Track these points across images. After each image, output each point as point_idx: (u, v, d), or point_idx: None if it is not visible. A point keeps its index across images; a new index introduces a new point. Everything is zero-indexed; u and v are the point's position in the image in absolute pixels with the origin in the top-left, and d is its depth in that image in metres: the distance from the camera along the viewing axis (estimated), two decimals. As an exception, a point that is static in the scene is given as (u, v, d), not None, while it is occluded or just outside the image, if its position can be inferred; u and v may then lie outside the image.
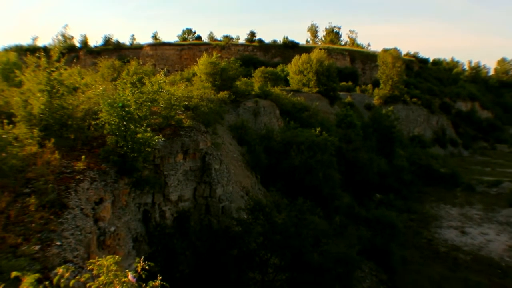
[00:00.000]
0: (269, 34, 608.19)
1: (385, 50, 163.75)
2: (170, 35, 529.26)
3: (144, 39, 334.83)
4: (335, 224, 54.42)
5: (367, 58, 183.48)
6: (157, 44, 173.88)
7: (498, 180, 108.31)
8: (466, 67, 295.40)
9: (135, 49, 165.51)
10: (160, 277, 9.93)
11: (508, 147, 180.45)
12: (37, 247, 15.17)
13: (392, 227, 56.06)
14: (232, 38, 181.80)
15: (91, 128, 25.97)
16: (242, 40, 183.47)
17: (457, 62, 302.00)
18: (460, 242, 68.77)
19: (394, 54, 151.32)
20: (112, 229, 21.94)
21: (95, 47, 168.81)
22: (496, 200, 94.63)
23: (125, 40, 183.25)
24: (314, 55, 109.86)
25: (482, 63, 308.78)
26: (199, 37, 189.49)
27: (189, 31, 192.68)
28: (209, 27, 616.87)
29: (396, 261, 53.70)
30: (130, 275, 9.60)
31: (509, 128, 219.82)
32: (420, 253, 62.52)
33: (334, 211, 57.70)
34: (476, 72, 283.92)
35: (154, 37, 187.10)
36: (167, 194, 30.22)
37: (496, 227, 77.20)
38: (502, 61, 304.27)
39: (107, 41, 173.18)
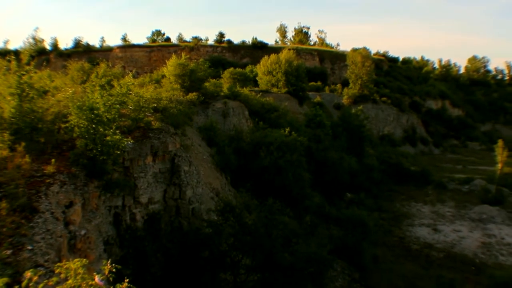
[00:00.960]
0: (239, 35, 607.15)
1: (355, 50, 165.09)
2: (140, 37, 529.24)
3: (114, 41, 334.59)
4: (305, 224, 54.75)
5: (336, 57, 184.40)
6: (127, 46, 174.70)
7: (470, 178, 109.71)
8: (437, 65, 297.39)
9: (104, 51, 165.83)
10: (127, 280, 10.06)
11: (480, 145, 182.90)
12: (8, 252, 15.23)
13: (363, 226, 56.31)
14: (201, 39, 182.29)
15: (61, 131, 25.93)
16: (211, 41, 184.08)
17: (427, 60, 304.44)
18: (432, 239, 69.59)
19: (363, 53, 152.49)
20: (83, 232, 21.95)
21: (66, 49, 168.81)
22: (468, 197, 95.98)
23: (95, 43, 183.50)
24: (283, 55, 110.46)
25: (452, 62, 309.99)
26: (168, 39, 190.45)
27: (158, 33, 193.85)
28: (178, 29, 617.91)
29: (368, 260, 54.15)
30: (97, 278, 9.74)
31: (480, 125, 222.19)
32: (392, 251, 63.03)
33: (305, 211, 58.06)
34: (447, 70, 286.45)
35: (124, 39, 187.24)
36: (137, 196, 30.26)
37: (468, 224, 78.34)
38: (473, 59, 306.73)
39: (77, 43, 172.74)
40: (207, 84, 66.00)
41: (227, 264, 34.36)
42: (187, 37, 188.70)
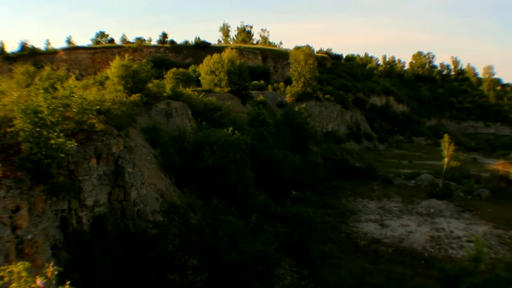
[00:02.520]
0: (182, 35, 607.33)
1: (297, 48, 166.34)
2: (85, 39, 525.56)
3: (59, 43, 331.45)
4: (251, 222, 55.09)
5: (279, 56, 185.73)
6: (71, 49, 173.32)
7: (416, 172, 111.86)
8: (381, 62, 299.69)
9: (50, 54, 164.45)
10: (69, 282, 10.33)
11: (425, 140, 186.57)
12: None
13: (309, 223, 56.54)
14: (144, 40, 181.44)
15: (7, 135, 26.07)
16: (154, 42, 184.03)
17: (371, 57, 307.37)
18: (380, 234, 70.65)
19: (306, 51, 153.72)
20: (30, 237, 22.07)
21: (12, 53, 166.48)
22: (414, 192, 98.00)
23: (41, 45, 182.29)
24: (226, 54, 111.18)
25: (397, 58, 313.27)
26: (112, 40, 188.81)
27: (102, 34, 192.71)
28: (122, 30, 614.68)
29: (316, 256, 54.58)
30: (38, 281, 9.96)
31: (426, 121, 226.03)
32: (340, 247, 63.71)
33: (250, 209, 58.35)
34: (391, 66, 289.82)
35: (68, 41, 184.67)
36: (83, 199, 30.28)
37: (416, 218, 79.73)
38: (418, 55, 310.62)
39: (23, 47, 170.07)
40: (150, 85, 66.03)
41: (174, 265, 34.46)
42: (131, 38, 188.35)
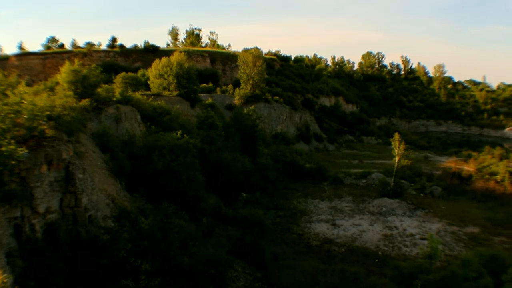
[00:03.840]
0: (132, 39, 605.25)
1: (246, 50, 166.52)
2: (36, 45, 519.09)
3: (12, 49, 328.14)
4: (202, 226, 55.49)
5: (227, 58, 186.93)
6: (22, 54, 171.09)
7: (367, 172, 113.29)
8: (330, 63, 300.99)
9: (1, 60, 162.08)
10: (17, 287, 10.83)
11: (376, 139, 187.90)
12: None
13: (261, 225, 56.97)
14: (94, 44, 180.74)
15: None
16: (104, 46, 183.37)
17: (320, 58, 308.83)
18: (332, 234, 71.44)
19: (254, 53, 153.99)
20: (-16, 245, 22.31)
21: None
22: (366, 191, 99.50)
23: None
24: (174, 58, 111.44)
25: (347, 58, 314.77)
26: (62, 45, 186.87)
27: (53, 40, 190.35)
28: (73, 35, 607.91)
29: (268, 258, 55.07)
30: None
31: (376, 120, 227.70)
32: (292, 248, 64.34)
33: (201, 213, 58.71)
34: (340, 67, 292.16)
35: (20, 47, 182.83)
36: (35, 206, 30.31)
37: (368, 217, 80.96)
38: (368, 55, 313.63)
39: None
40: (99, 89, 65.85)
41: (127, 270, 34.44)
42: (81, 42, 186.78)
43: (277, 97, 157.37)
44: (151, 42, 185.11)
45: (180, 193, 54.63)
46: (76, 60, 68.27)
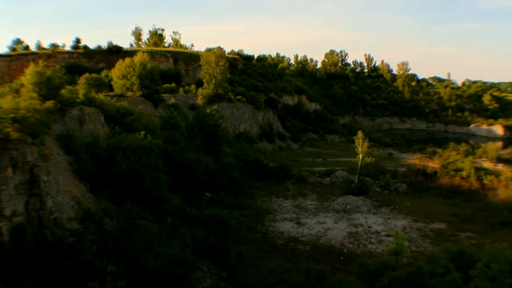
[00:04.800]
0: (97, 39, 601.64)
1: (209, 50, 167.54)
2: (1, 47, 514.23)
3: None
4: (167, 226, 55.79)
5: (190, 58, 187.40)
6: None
7: (330, 170, 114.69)
8: (293, 61, 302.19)
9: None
10: None
11: (339, 137, 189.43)
12: None
13: (225, 224, 57.25)
14: (59, 46, 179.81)
15: None
16: (69, 48, 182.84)
17: (283, 57, 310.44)
18: (297, 233, 72.01)
19: (217, 53, 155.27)
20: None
21: None
22: (330, 189, 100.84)
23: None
24: (137, 58, 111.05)
25: (310, 57, 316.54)
26: (27, 47, 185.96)
27: (18, 41, 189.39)
28: (38, 36, 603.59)
29: (233, 258, 55.57)
30: None
31: (339, 118, 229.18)
32: (257, 247, 64.81)
33: (165, 213, 58.80)
34: (303, 66, 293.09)
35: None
36: (1, 209, 30.55)
37: (333, 215, 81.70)
38: (331, 54, 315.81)
39: None
40: (63, 91, 65.78)
41: (93, 272, 34.37)
42: (46, 44, 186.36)
43: (239, 97, 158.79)
44: (115, 42, 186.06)
45: (144, 193, 54.60)
46: (40, 62, 68.14)
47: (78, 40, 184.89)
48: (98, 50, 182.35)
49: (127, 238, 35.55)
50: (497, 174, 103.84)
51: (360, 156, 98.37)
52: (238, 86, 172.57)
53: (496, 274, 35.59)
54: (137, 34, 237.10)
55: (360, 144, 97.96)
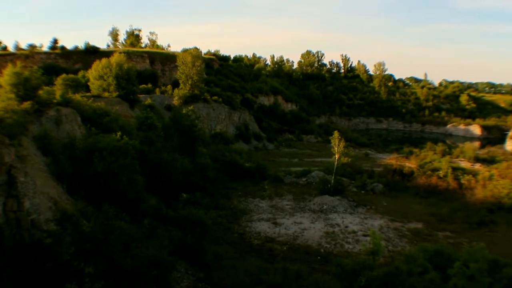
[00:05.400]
0: (74, 40, 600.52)
1: (185, 50, 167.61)
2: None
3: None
4: (144, 227, 55.70)
5: (166, 59, 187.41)
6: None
7: (307, 170, 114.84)
8: (269, 62, 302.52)
9: None
10: None
11: (315, 137, 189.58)
12: None
13: (201, 225, 57.45)
14: (36, 46, 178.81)
15: None
16: (46, 48, 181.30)
17: (260, 57, 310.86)
18: (273, 233, 72.28)
19: (193, 53, 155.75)
20: None
21: None
22: (306, 189, 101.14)
23: None
24: (114, 59, 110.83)
25: (286, 58, 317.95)
26: (5, 48, 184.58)
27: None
28: (16, 37, 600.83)
29: (210, 258, 55.80)
30: None
31: (315, 118, 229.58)
32: (234, 248, 64.96)
33: (142, 214, 58.85)
34: (279, 66, 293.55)
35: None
36: None
37: (309, 215, 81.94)
38: (307, 54, 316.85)
39: None
40: (41, 92, 65.59)
41: (71, 274, 34.51)
42: (24, 44, 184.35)
43: (216, 97, 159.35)
44: (92, 43, 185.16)
45: (121, 194, 54.82)
46: (18, 63, 67.93)
47: (55, 41, 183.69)
48: (75, 51, 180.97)
49: (104, 239, 35.54)
50: (474, 174, 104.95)
51: (336, 156, 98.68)
52: (214, 86, 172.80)
53: (474, 273, 36.02)
54: (114, 34, 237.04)
55: (336, 144, 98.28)
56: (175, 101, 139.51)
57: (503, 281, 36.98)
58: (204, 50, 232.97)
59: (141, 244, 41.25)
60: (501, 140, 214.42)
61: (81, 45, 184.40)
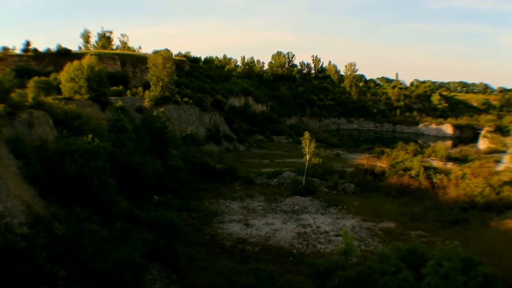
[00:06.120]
0: (47, 42, 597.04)
1: (156, 52, 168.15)
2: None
3: None
4: (116, 229, 55.83)
5: (137, 61, 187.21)
6: None
7: (278, 171, 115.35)
8: (240, 63, 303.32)
9: None
10: None
11: (286, 138, 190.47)
12: None
13: (174, 227, 58.25)
14: (9, 49, 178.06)
15: None
16: (19, 51, 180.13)
17: (230, 59, 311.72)
18: (245, 234, 72.29)
19: (164, 55, 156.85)
20: None
21: None
22: (277, 190, 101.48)
23: None
24: (85, 61, 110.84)
25: (257, 59, 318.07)
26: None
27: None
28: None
29: (183, 260, 55.83)
30: None
31: (286, 119, 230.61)
32: (206, 249, 64.76)
33: (114, 217, 58.60)
34: (250, 67, 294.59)
35: None
36: None
37: (281, 216, 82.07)
38: (278, 55, 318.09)
39: None
40: (13, 94, 65.56)
41: (44, 277, 34.20)
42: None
43: (186, 99, 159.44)
44: (64, 45, 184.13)
45: (92, 197, 54.53)
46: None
47: (28, 43, 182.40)
48: (48, 53, 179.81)
49: (77, 242, 36.02)
50: (447, 173, 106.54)
51: (307, 156, 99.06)
52: (185, 88, 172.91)
53: (448, 271, 36.50)
54: (86, 36, 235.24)
55: (307, 144, 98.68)
56: (146, 103, 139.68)
57: (478, 279, 37.49)
58: (175, 52, 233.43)
59: (113, 247, 41.41)
60: (474, 139, 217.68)
61: (53, 48, 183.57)
